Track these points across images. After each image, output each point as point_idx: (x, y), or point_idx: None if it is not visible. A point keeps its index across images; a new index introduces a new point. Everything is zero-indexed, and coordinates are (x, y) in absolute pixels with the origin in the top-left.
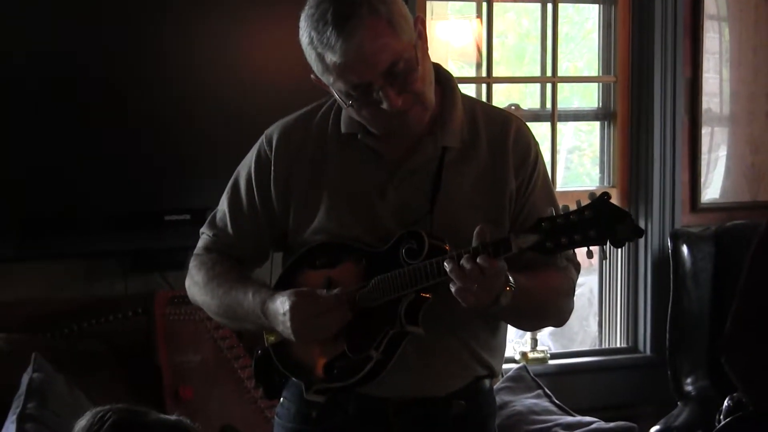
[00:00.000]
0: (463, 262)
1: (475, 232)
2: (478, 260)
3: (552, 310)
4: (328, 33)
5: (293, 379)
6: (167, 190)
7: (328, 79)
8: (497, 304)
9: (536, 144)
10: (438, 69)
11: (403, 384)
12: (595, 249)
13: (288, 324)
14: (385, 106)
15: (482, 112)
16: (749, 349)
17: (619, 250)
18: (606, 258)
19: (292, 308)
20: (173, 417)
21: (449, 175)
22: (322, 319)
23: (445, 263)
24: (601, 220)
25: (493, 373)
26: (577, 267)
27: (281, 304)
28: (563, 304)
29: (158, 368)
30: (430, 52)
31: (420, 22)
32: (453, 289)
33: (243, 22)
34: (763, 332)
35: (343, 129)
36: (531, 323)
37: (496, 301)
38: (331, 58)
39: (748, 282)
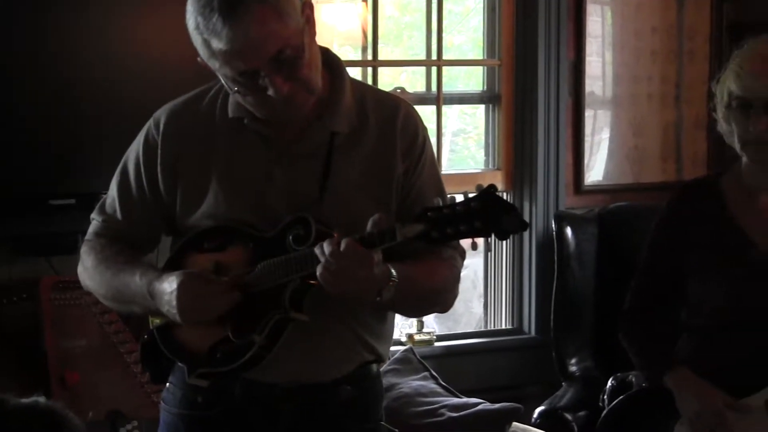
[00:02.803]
0: (324, 245)
1: (371, 220)
2: (341, 244)
3: (437, 299)
4: (215, 19)
5: (178, 363)
6: (52, 175)
7: (214, 65)
8: (380, 298)
9: (424, 129)
10: (327, 53)
11: (289, 370)
12: (480, 239)
13: (174, 303)
14: (271, 92)
15: (371, 96)
16: (648, 325)
17: (507, 239)
18: (491, 250)
19: (180, 287)
20: (28, 400)
21: (338, 160)
22: (208, 300)
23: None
24: (486, 212)
25: (380, 358)
26: (462, 254)
27: (169, 284)
28: (448, 292)
29: (44, 353)
30: (316, 36)
31: (308, 7)
32: (317, 273)
33: (130, 5)
34: (662, 309)
35: (230, 113)
36: (415, 312)
37: (378, 294)
38: (217, 44)
39: (648, 259)
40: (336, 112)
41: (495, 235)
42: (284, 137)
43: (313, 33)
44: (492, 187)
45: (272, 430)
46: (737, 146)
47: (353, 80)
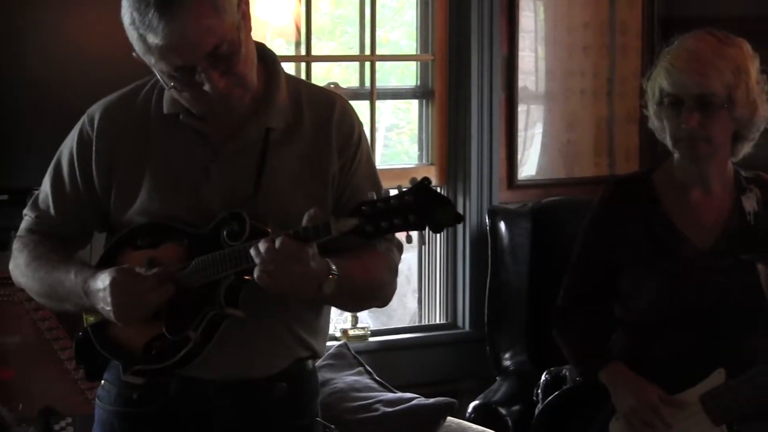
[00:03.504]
0: (259, 244)
1: (307, 215)
2: (275, 242)
3: (376, 292)
4: (150, 15)
5: (113, 360)
6: None
7: (149, 60)
8: (321, 292)
9: (360, 125)
10: (262, 49)
11: (224, 366)
12: (414, 233)
13: (108, 300)
14: (207, 88)
15: (307, 92)
16: (581, 321)
17: (441, 232)
18: (425, 243)
19: (112, 284)
20: None
21: (274, 156)
22: (141, 297)
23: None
24: (421, 205)
25: (315, 354)
26: (399, 247)
27: (102, 281)
28: (387, 285)
29: None
30: (251, 31)
31: (244, 3)
32: (254, 274)
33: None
34: (595, 305)
35: (165, 109)
36: (355, 306)
37: (319, 289)
38: (152, 39)
39: (580, 255)
40: (271, 107)
41: (429, 229)
42: (220, 133)
43: (248, 28)
44: (426, 180)
45: (207, 427)
46: (669, 143)
47: (289, 76)
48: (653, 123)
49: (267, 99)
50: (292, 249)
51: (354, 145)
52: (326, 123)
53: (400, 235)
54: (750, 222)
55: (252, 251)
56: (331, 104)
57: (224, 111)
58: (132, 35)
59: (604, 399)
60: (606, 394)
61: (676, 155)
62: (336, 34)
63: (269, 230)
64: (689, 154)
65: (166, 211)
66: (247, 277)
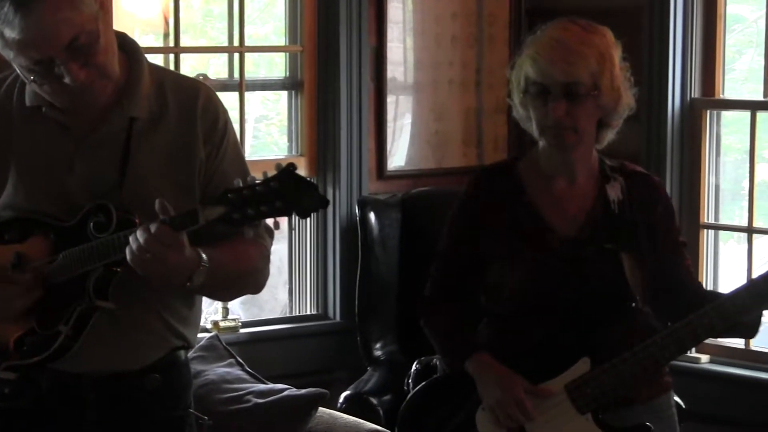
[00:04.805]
0: (138, 231)
1: (156, 208)
2: (150, 228)
3: (249, 280)
4: (6, 9)
5: None
6: None
7: (8, 55)
8: (191, 283)
9: (225, 113)
10: (123, 38)
11: (97, 358)
12: (283, 219)
13: None
14: (67, 80)
15: (171, 81)
16: (448, 311)
17: (308, 217)
18: (293, 229)
19: None
20: None
21: (138, 146)
22: (8, 301)
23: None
24: (287, 191)
25: (188, 345)
26: (271, 233)
27: None
28: (259, 273)
29: None
30: (115, 23)
31: None
32: (128, 258)
33: None
34: (461, 295)
35: (27, 102)
36: (228, 295)
37: (189, 279)
38: (10, 34)
39: (447, 245)
40: (134, 97)
41: (296, 214)
42: (83, 125)
43: (108, 18)
44: (291, 166)
45: (80, 420)
46: (535, 132)
47: (152, 65)
48: (518, 112)
49: (129, 88)
50: (169, 236)
51: (220, 132)
52: (191, 111)
53: (269, 222)
54: (614, 211)
55: (131, 237)
56: (196, 92)
57: (86, 102)
58: None
59: (472, 389)
60: (473, 384)
61: (540, 144)
62: (207, 30)
63: (136, 221)
64: (556, 143)
65: (32, 204)
66: (116, 269)
